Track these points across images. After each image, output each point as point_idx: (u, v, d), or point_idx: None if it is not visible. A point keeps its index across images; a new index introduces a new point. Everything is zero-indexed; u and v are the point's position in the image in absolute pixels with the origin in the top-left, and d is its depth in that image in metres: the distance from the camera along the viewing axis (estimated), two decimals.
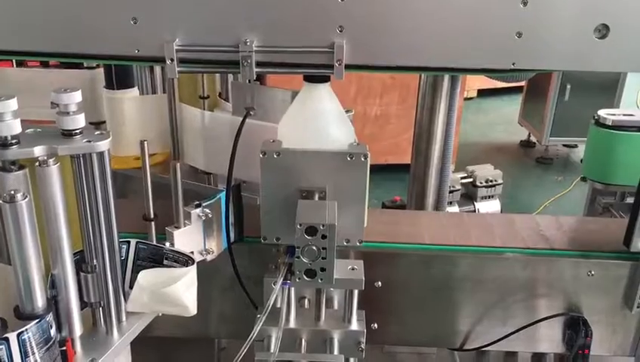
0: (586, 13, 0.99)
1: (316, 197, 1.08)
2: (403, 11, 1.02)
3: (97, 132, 0.87)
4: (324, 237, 0.99)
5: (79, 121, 0.85)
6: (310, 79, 1.12)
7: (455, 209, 2.62)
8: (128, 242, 0.98)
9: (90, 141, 0.85)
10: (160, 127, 1.46)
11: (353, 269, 1.09)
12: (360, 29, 1.03)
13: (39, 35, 1.04)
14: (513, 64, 1.05)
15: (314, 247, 1.00)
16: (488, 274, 1.24)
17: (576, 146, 5.04)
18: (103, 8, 1.03)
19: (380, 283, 1.25)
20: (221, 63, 1.09)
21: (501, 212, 2.76)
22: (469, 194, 2.73)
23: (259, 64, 1.05)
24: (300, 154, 1.06)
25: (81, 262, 0.92)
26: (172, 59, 1.04)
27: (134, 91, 1.48)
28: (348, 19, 1.02)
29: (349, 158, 1.06)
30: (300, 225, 0.99)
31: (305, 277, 1.02)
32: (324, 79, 1.11)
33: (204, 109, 1.39)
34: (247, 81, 1.05)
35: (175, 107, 1.41)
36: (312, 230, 0.99)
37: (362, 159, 1.07)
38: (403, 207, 2.57)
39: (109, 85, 1.44)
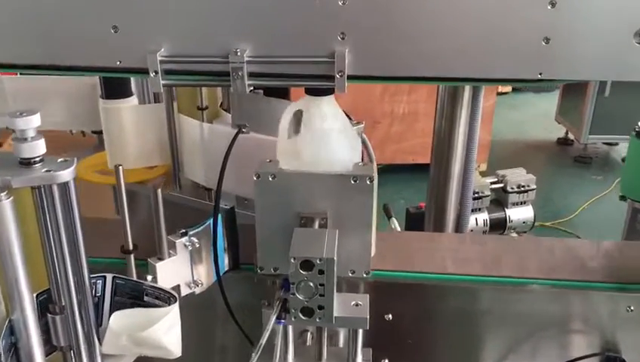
0: (625, 15, 0.85)
1: (317, 223, 0.97)
2: (414, 16, 0.89)
3: (60, 159, 0.77)
4: (321, 272, 0.88)
5: (38, 148, 0.75)
6: (311, 91, 1.00)
7: (484, 216, 2.48)
8: (104, 277, 0.89)
9: (50, 170, 0.75)
10: (160, 138, 1.37)
11: (357, 305, 0.97)
12: (364, 36, 0.91)
13: (10, 46, 0.95)
14: (540, 74, 0.92)
15: (310, 283, 0.89)
16: (514, 308, 1.10)
17: (617, 144, 4.80)
18: (80, 16, 0.93)
19: (390, 316, 1.13)
20: (212, 74, 0.99)
21: (534, 219, 2.60)
22: (499, 201, 2.58)
23: (252, 75, 0.95)
24: (298, 176, 0.95)
25: (47, 303, 0.83)
26: (156, 71, 0.94)
27: (132, 100, 1.38)
28: (350, 26, 0.91)
29: (352, 181, 0.94)
30: (294, 258, 0.88)
31: (301, 315, 0.91)
32: (326, 91, 1.00)
33: (202, 121, 1.29)
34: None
35: (173, 118, 1.31)
36: (307, 264, 0.88)
37: (368, 182, 0.95)
38: None
39: (106, 94, 1.35)
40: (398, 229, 2.33)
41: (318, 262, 0.87)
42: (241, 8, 0.91)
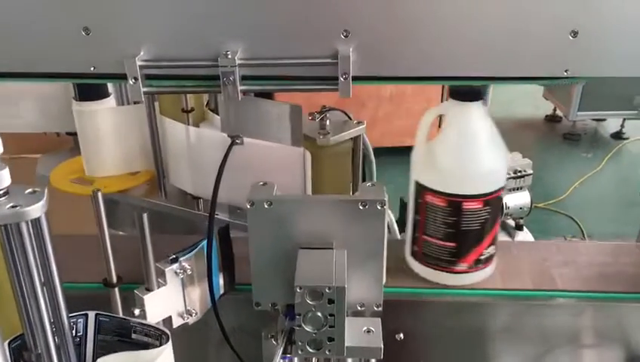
0: None
1: None
2: (427, 9, 0.79)
3: (28, 190, 0.66)
4: (331, 301, 0.78)
5: (1, 180, 0.64)
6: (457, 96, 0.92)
7: None
8: (85, 315, 0.79)
9: (17, 206, 0.64)
10: (142, 142, 1.26)
11: (369, 332, 0.88)
12: (371, 33, 0.81)
13: None
14: (566, 71, 0.83)
15: (319, 313, 0.80)
16: (536, 323, 1.02)
17: (604, 120, 4.75)
18: (45, 17, 0.82)
19: (402, 335, 1.04)
20: (200, 79, 0.88)
21: (531, 204, 2.53)
22: None
23: (245, 79, 0.84)
24: (298, 203, 0.84)
25: (22, 349, 0.72)
26: (135, 78, 0.83)
27: (110, 101, 1.27)
28: (355, 22, 0.80)
29: (361, 207, 0.84)
30: (300, 288, 0.78)
31: (309, 348, 0.82)
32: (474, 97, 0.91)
33: (188, 124, 1.17)
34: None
35: (155, 121, 1.20)
36: (316, 294, 0.78)
37: (379, 207, 0.84)
38: None
39: (80, 96, 1.23)
40: (394, 221, 2.23)
41: (327, 291, 0.78)
42: (230, 3, 0.80)
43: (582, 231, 3.35)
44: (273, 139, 1.03)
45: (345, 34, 0.80)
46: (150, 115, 1.18)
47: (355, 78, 0.83)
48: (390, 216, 2.29)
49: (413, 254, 1.13)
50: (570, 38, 0.80)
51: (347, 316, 0.90)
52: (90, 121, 1.22)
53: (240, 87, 0.83)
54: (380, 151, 4.04)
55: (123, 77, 0.83)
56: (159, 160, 1.22)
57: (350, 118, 1.13)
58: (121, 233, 1.39)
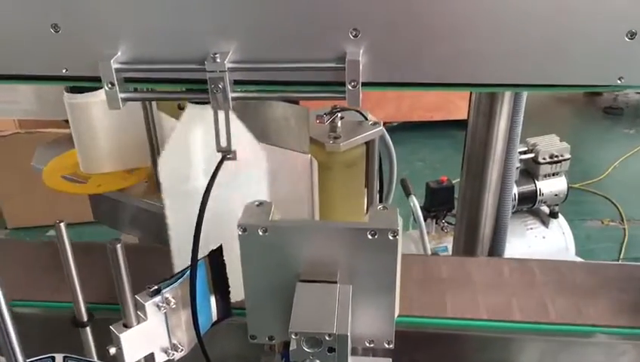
0: None
1: None
2: (450, 3, 0.66)
3: None
4: (331, 350, 0.68)
5: None
6: None
7: (513, 189, 2.25)
8: (52, 358, 0.69)
9: None
10: (138, 137, 1.15)
11: None
12: (384, 32, 0.68)
13: None
14: (620, 79, 0.69)
15: (318, 361, 0.69)
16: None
17: None
18: (8, 11, 0.71)
19: None
20: (189, 82, 0.77)
21: (567, 191, 2.37)
22: (529, 172, 2.34)
23: (238, 83, 0.73)
24: (298, 230, 0.72)
25: None
26: (112, 83, 0.72)
27: (104, 93, 1.15)
28: (366, 19, 0.68)
29: (370, 236, 0.71)
30: (296, 334, 0.67)
31: None
32: None
33: None
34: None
35: (152, 116, 1.09)
36: (314, 341, 0.68)
37: (390, 237, 0.72)
38: (451, 189, 2.22)
39: (72, 87, 1.13)
40: (418, 209, 2.10)
41: (327, 338, 0.67)
42: None
43: (620, 215, 3.17)
44: (274, 144, 0.91)
45: (354, 33, 0.68)
46: (146, 109, 1.08)
47: (366, 84, 0.70)
48: (414, 202, 2.16)
49: None
50: (627, 39, 0.66)
51: (356, 354, 0.80)
52: (83, 114, 1.12)
53: (231, 95, 0.71)
54: (408, 127, 3.92)
55: (99, 80, 0.73)
56: (156, 157, 1.12)
57: (366, 118, 1.00)
58: (124, 235, 1.31)
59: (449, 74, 0.71)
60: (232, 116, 0.77)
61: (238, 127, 0.82)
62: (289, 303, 0.71)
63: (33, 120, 2.57)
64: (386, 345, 0.77)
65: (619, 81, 0.69)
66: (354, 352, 0.77)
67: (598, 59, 0.68)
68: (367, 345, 0.77)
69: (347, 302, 0.71)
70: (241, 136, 0.83)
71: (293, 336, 0.67)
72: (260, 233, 0.71)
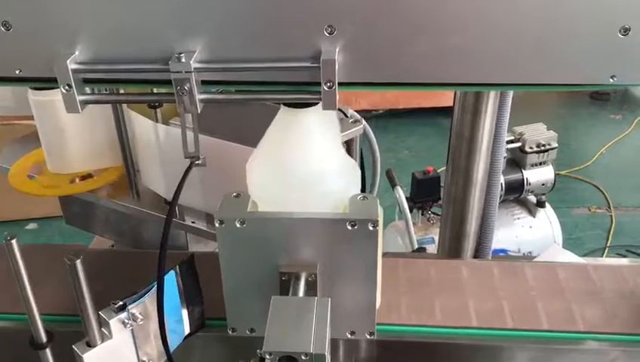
0: None
1: (302, 280, 0.73)
2: None
3: None
4: None
5: None
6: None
7: (499, 185, 2.22)
8: None
9: None
10: (110, 135, 1.10)
11: None
12: (361, 29, 0.63)
13: None
14: (612, 77, 0.65)
15: None
16: None
17: None
18: None
19: None
20: (155, 83, 0.72)
21: (554, 180, 2.34)
22: (515, 161, 2.31)
23: (206, 83, 0.68)
24: (276, 222, 0.70)
25: None
26: (69, 85, 0.66)
27: None
28: (342, 15, 0.63)
29: (349, 227, 0.69)
30: (270, 353, 0.63)
31: None
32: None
33: (157, 121, 1.01)
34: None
35: (122, 114, 1.04)
36: (290, 360, 0.64)
37: (370, 228, 0.69)
38: (437, 180, 2.19)
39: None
40: (404, 200, 2.07)
41: (303, 357, 0.63)
42: None
43: (607, 202, 3.16)
44: (250, 143, 0.87)
45: (329, 30, 0.64)
46: (116, 107, 1.02)
47: (343, 84, 0.66)
48: (400, 193, 2.12)
49: None
50: (620, 35, 0.62)
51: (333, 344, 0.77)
52: (49, 112, 1.06)
53: (199, 97, 0.66)
54: (394, 114, 3.87)
55: (56, 82, 0.67)
56: (129, 158, 1.06)
57: (346, 115, 0.95)
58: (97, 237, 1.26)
59: (432, 73, 0.66)
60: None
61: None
62: (269, 295, 0.69)
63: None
64: (368, 336, 0.74)
65: (611, 80, 0.65)
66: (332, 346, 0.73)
67: (589, 57, 0.64)
68: (349, 336, 0.75)
69: (325, 317, 0.67)
70: None
71: (268, 356, 0.63)
72: (238, 225, 0.68)
